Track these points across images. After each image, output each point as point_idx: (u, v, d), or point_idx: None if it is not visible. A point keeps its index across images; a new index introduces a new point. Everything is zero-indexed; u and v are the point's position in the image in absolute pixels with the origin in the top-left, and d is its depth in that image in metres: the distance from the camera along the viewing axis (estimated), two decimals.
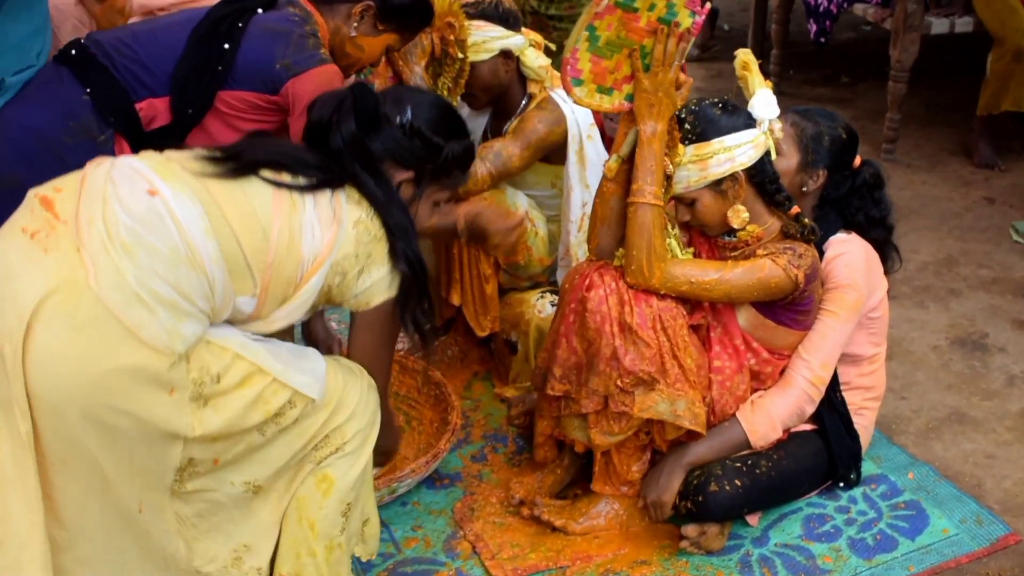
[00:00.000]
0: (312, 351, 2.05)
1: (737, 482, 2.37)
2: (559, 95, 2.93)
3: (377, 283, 2.02)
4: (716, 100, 2.33)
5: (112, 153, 2.25)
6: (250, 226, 1.84)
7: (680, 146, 2.27)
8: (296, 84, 2.32)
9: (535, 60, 2.93)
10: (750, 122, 2.30)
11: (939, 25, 4.61)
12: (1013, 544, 2.46)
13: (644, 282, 2.26)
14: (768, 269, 2.27)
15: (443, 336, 3.24)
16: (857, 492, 2.63)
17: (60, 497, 1.76)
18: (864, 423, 2.62)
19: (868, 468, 2.68)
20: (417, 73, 2.78)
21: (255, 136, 2.13)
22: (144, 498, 1.82)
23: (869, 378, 2.62)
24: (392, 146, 2.08)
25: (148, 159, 1.88)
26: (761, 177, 2.35)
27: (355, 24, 2.49)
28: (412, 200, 2.13)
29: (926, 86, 5.07)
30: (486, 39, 2.82)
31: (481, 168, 2.76)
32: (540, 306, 2.99)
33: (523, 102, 2.97)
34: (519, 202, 2.94)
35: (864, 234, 2.54)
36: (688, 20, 2.24)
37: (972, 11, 4.60)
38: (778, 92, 2.25)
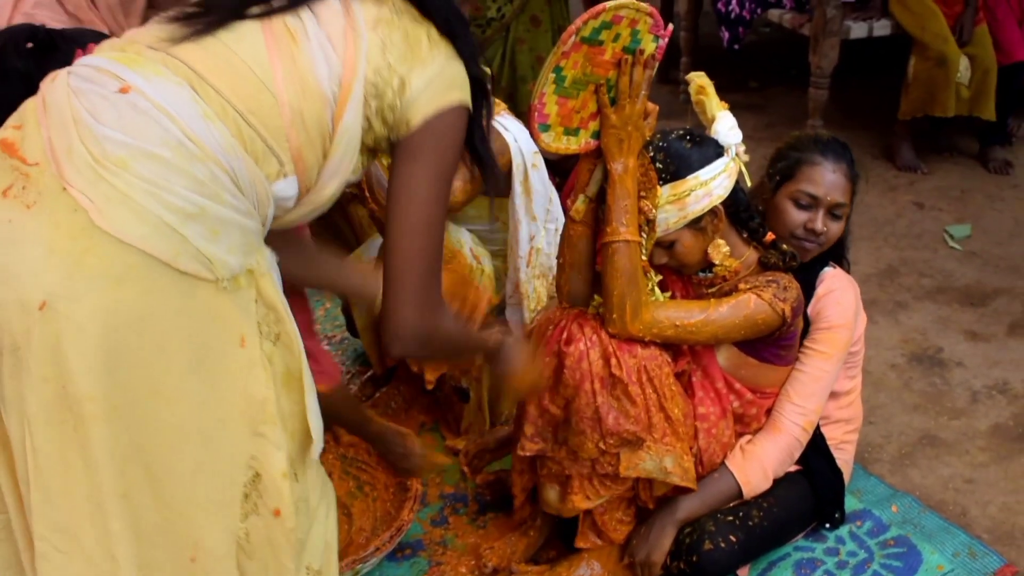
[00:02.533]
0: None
1: (732, 537, 2.25)
2: (501, 123, 2.79)
3: (425, 87, 1.55)
4: (681, 132, 2.21)
5: None
6: (249, 90, 1.46)
7: (657, 190, 2.13)
8: None
9: None
10: (719, 150, 2.19)
11: (858, 29, 4.62)
12: None
13: (627, 329, 2.11)
14: (754, 305, 2.15)
15: (384, 387, 3.05)
16: (843, 531, 2.53)
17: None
18: (846, 458, 2.54)
19: (850, 503, 2.59)
20: None
21: None
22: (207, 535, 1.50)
23: (847, 411, 2.54)
24: None
25: (108, 51, 1.51)
26: (735, 207, 2.24)
27: None
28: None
29: (842, 89, 5.07)
30: None
31: None
32: None
33: None
34: (463, 239, 2.78)
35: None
36: (652, 46, 2.13)
37: (890, 14, 4.61)
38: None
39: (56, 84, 1.46)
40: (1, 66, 1.84)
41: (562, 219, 2.82)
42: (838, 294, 2.38)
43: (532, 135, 2.14)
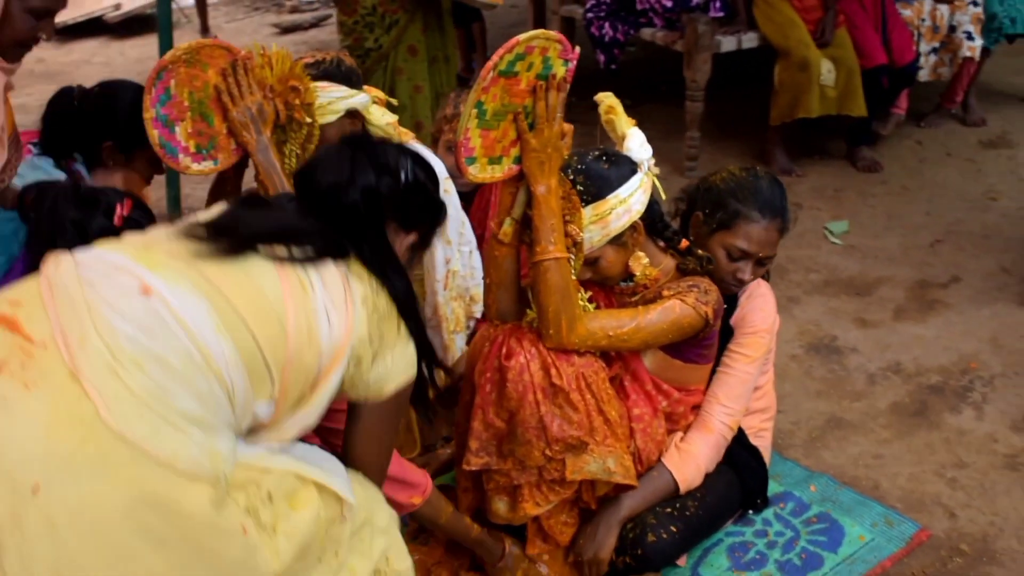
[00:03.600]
0: (321, 452, 1.80)
1: (672, 528, 2.37)
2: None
3: (393, 366, 1.77)
4: (597, 153, 2.32)
5: None
6: (263, 316, 1.56)
7: (580, 213, 2.24)
8: None
9: (381, 117, 2.84)
10: (633, 167, 2.31)
11: (728, 43, 4.84)
12: (926, 540, 2.58)
13: (564, 343, 2.21)
14: (679, 309, 2.28)
15: None
16: (768, 514, 2.68)
17: None
18: (764, 444, 2.69)
19: (772, 487, 2.74)
20: (263, 143, 2.63)
21: (245, 201, 1.87)
22: None
23: (763, 401, 2.69)
24: (397, 204, 1.85)
25: (123, 248, 1.58)
26: (652, 219, 2.37)
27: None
28: (409, 265, 1.93)
29: (715, 101, 5.29)
30: (331, 100, 2.70)
31: None
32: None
33: None
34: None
35: None
36: (562, 70, 2.24)
37: (756, 27, 4.86)
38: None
39: (62, 270, 1.51)
40: (59, 218, 1.98)
41: (474, 241, 2.91)
42: (760, 301, 2.54)
43: (460, 169, 2.23)
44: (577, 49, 2.28)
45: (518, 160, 2.26)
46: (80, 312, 1.45)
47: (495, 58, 2.11)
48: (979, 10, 5.13)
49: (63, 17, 8.18)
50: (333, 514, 1.69)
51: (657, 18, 4.98)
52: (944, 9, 5.12)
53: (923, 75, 5.18)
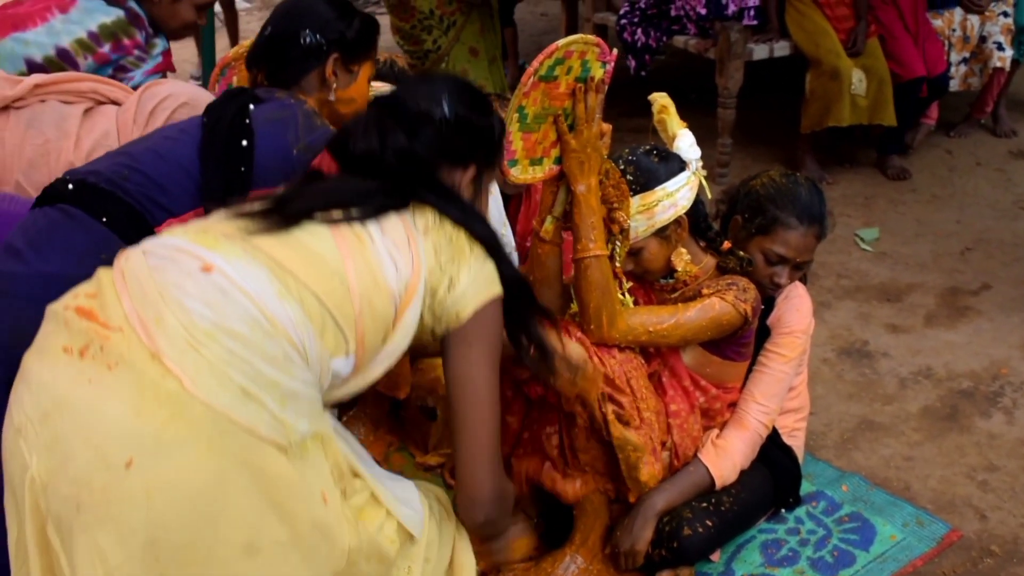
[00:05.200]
0: (404, 480, 1.86)
1: (708, 522, 2.41)
2: None
3: (469, 286, 1.75)
4: (648, 148, 2.38)
5: None
6: (323, 276, 1.61)
7: (629, 201, 2.29)
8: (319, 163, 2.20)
9: None
10: (682, 165, 2.37)
11: (760, 51, 4.88)
12: (957, 540, 2.61)
13: (604, 336, 2.26)
14: (719, 307, 2.32)
15: (351, 411, 3.14)
16: (801, 512, 2.72)
17: None
18: (798, 444, 2.73)
19: (804, 486, 2.78)
20: None
21: (301, 180, 1.88)
22: None
23: (797, 400, 2.73)
24: (443, 147, 1.86)
25: (183, 234, 1.65)
26: (696, 218, 2.42)
27: (334, 85, 2.38)
28: (475, 197, 1.92)
29: (747, 109, 5.33)
30: None
31: None
32: None
33: None
34: None
35: None
36: (600, 72, 2.29)
37: (788, 35, 4.90)
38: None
39: (132, 261, 1.58)
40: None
41: (513, 241, 2.96)
42: (796, 302, 2.59)
43: (502, 171, 2.28)
44: (615, 51, 2.32)
45: (558, 161, 2.31)
46: (152, 296, 1.51)
47: (535, 63, 2.15)
48: (1009, 21, 5.14)
49: None
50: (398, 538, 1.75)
51: (691, 25, 5.02)
52: (975, 20, 5.14)
53: (953, 85, 5.20)
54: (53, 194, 2.00)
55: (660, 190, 2.31)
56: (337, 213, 1.68)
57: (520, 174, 2.28)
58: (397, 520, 1.76)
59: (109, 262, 1.65)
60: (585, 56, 2.23)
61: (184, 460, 1.45)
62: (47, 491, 1.47)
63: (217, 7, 7.99)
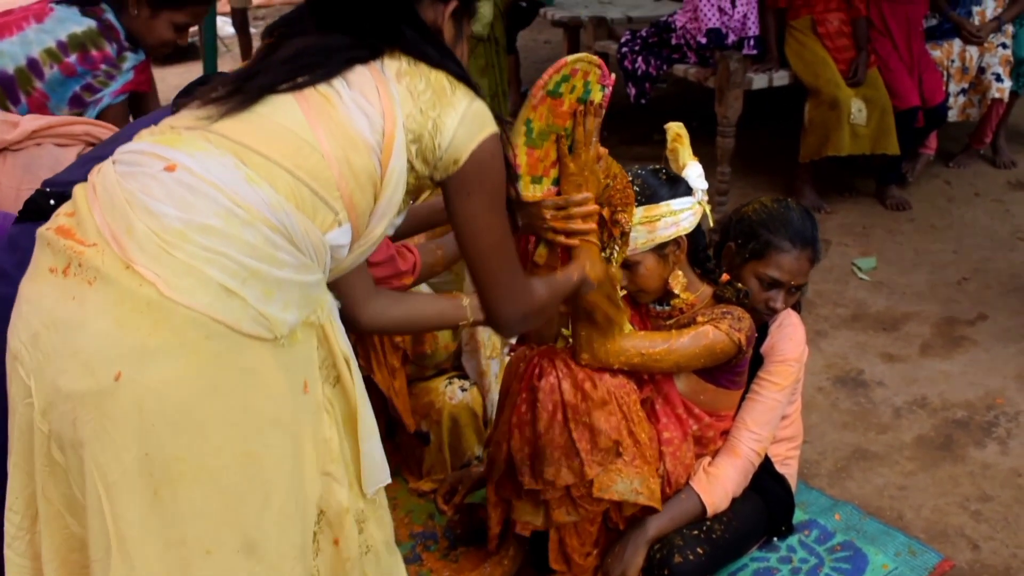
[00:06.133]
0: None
1: (699, 550, 2.41)
2: None
3: (460, 124, 1.64)
4: (655, 168, 2.41)
5: None
6: (292, 148, 1.53)
7: (633, 207, 2.30)
8: None
9: None
10: (688, 190, 2.38)
11: (759, 80, 4.92)
12: (949, 570, 2.61)
13: (597, 359, 2.27)
14: (712, 335, 2.34)
15: None
16: (793, 540, 2.72)
17: None
18: (791, 472, 2.73)
19: (796, 515, 2.77)
20: None
21: (262, 51, 1.74)
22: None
23: (790, 429, 2.73)
24: None
25: (148, 136, 1.59)
26: (695, 245, 2.43)
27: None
28: (455, 39, 1.80)
29: (746, 137, 5.36)
30: None
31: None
32: (450, 393, 2.96)
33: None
34: (422, 288, 2.91)
35: None
36: (599, 95, 2.29)
37: (787, 65, 4.94)
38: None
39: (103, 172, 1.54)
40: None
41: None
42: (789, 331, 2.60)
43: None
44: (613, 76, 2.34)
45: (556, 182, 2.32)
46: (120, 206, 1.46)
47: (545, 77, 2.16)
48: (1008, 52, 5.18)
49: None
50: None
51: (691, 53, 5.06)
52: (973, 51, 5.17)
53: (952, 116, 5.23)
54: (35, 209, 1.97)
55: (664, 206, 2.33)
56: (302, 78, 1.59)
57: (521, 190, 2.29)
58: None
59: None
60: (588, 76, 2.24)
61: (171, 369, 1.42)
62: (46, 412, 1.46)
63: (231, 31, 8.08)
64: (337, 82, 1.59)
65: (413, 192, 1.72)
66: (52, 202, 1.96)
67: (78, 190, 1.55)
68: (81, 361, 1.42)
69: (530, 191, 2.29)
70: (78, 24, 2.83)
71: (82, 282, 1.44)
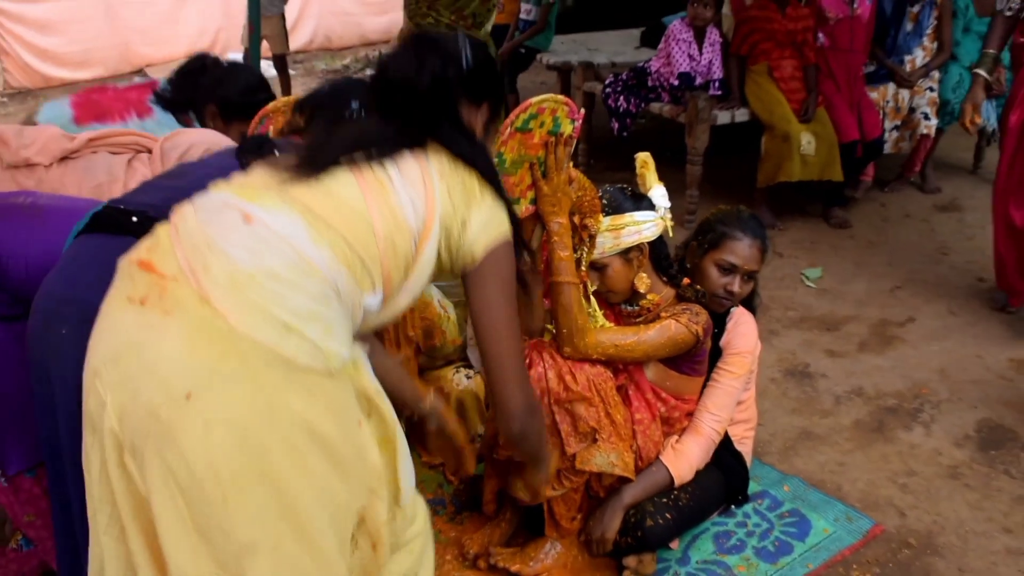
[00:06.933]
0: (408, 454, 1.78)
1: (668, 515, 2.43)
2: None
3: (482, 227, 1.68)
4: (622, 186, 2.42)
5: None
6: (351, 221, 1.55)
7: (600, 215, 2.32)
8: None
9: None
10: (651, 206, 2.40)
11: (723, 117, 4.92)
12: (880, 534, 2.62)
13: (577, 351, 2.29)
14: (674, 328, 2.35)
15: None
16: (748, 508, 2.73)
17: None
18: (746, 450, 2.73)
19: (751, 486, 2.79)
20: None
21: (326, 127, 1.77)
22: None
23: (746, 412, 2.74)
24: (466, 82, 1.80)
25: (227, 188, 1.60)
26: (658, 253, 2.45)
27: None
28: (486, 139, 1.85)
29: (712, 166, 5.37)
30: None
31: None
32: (457, 380, 2.97)
33: None
34: (432, 293, 2.93)
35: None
36: (569, 127, 2.30)
37: (747, 104, 4.95)
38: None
39: (184, 215, 1.55)
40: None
41: None
42: (743, 327, 2.61)
43: None
44: (582, 111, 2.33)
45: (533, 201, 2.34)
46: (201, 247, 1.48)
47: (512, 116, 2.17)
48: (935, 95, 5.20)
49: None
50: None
51: (665, 94, 5.08)
52: (905, 93, 5.19)
53: (887, 148, 5.24)
54: (114, 223, 1.93)
55: (628, 217, 2.35)
56: (360, 155, 1.61)
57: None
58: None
59: None
60: (556, 113, 2.24)
61: (236, 393, 1.42)
62: (122, 423, 1.45)
63: (273, 72, 8.11)
64: (390, 167, 1.62)
65: (434, 276, 1.73)
66: (135, 219, 1.92)
67: (160, 229, 1.56)
68: (158, 379, 1.42)
69: None
70: (171, 129, 2.83)
71: (160, 312, 1.45)
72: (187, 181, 1.87)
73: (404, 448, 1.74)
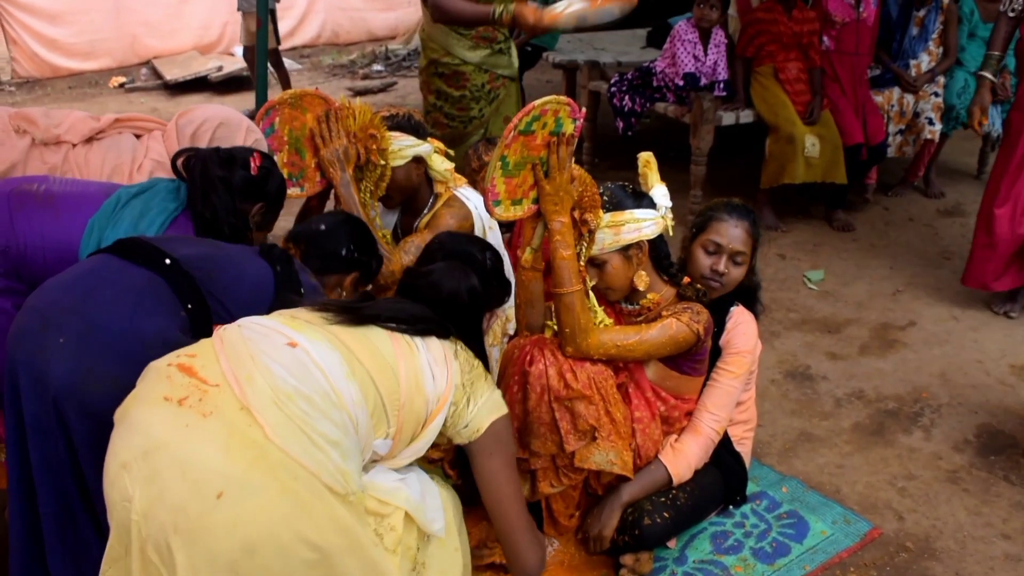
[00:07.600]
0: (429, 480, 1.91)
1: (665, 514, 2.42)
2: (462, 193, 2.95)
3: (483, 406, 1.89)
4: (623, 184, 2.41)
5: None
6: (382, 368, 1.72)
7: (600, 210, 2.31)
8: None
9: (441, 164, 2.94)
10: (652, 205, 2.39)
11: (728, 118, 4.91)
12: (878, 536, 2.61)
13: (579, 351, 2.28)
14: (675, 327, 2.34)
15: None
16: (746, 508, 2.72)
17: None
18: (745, 451, 2.72)
19: (749, 487, 2.78)
20: (346, 179, 2.74)
21: (368, 295, 2.08)
22: None
23: (746, 413, 2.73)
24: (490, 292, 2.16)
25: (273, 318, 1.75)
26: (658, 252, 2.44)
27: (342, 294, 2.56)
28: (486, 331, 2.14)
29: (716, 166, 5.36)
30: (401, 147, 2.82)
31: (405, 259, 2.73)
32: None
33: (431, 201, 2.97)
34: None
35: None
36: (571, 127, 2.30)
37: (752, 105, 4.94)
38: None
39: (229, 331, 1.67)
40: (208, 176, 2.17)
41: (511, 271, 2.98)
42: (743, 327, 2.59)
43: (487, 210, 2.30)
44: (583, 110, 2.34)
45: (536, 201, 2.33)
46: (245, 360, 1.59)
47: (516, 120, 2.17)
48: (940, 100, 5.18)
49: (176, 75, 8.37)
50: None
51: (670, 94, 5.06)
52: (910, 98, 5.17)
53: (891, 152, 5.22)
54: (145, 256, 1.92)
55: (628, 214, 2.33)
56: (393, 324, 1.81)
57: (503, 212, 2.30)
58: (418, 528, 1.82)
59: (170, 349, 1.69)
60: (558, 114, 2.24)
61: (264, 500, 1.50)
62: (147, 517, 1.51)
63: (269, 67, 8.10)
64: (418, 340, 1.83)
65: (436, 446, 1.92)
66: (168, 261, 1.93)
67: (204, 341, 1.68)
68: (190, 479, 1.49)
69: (511, 212, 2.31)
70: None
71: (197, 414, 1.53)
72: (223, 252, 2.05)
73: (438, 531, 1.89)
